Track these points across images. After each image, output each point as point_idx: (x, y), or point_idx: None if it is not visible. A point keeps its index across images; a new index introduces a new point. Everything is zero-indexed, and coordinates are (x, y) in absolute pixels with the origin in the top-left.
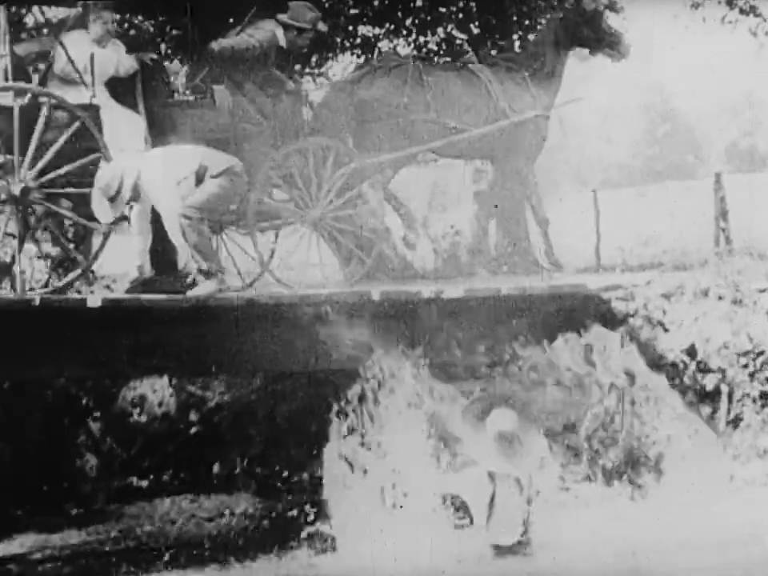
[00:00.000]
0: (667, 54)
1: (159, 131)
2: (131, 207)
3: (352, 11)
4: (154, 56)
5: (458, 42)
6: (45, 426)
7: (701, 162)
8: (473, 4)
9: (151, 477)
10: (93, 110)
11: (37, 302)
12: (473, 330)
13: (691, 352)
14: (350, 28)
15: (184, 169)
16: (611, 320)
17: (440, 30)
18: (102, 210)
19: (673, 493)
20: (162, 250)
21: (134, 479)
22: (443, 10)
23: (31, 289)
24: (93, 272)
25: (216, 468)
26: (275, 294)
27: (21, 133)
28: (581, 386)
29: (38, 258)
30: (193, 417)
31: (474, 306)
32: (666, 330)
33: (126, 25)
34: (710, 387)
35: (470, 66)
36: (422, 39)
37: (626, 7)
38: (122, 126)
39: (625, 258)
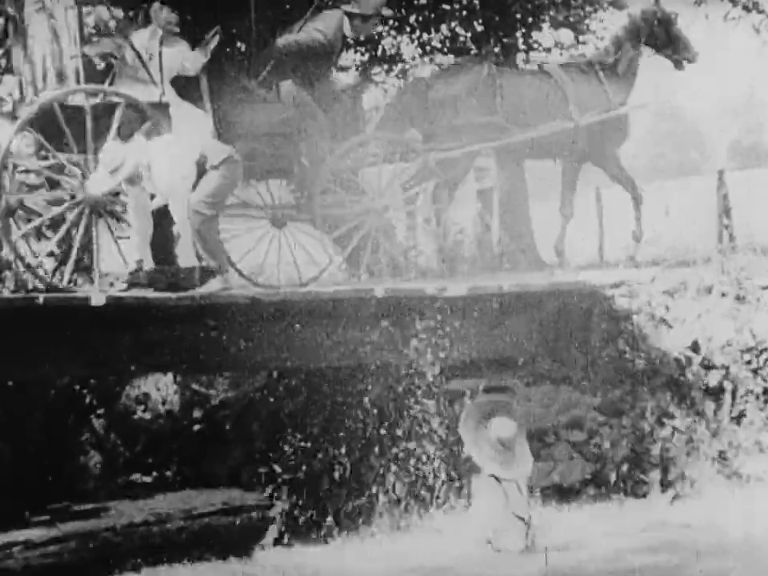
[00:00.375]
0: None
1: (226, 126)
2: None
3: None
4: (215, 42)
5: (461, 39)
6: (48, 423)
7: (704, 159)
8: (476, 2)
9: (155, 474)
10: (163, 107)
11: (40, 301)
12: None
13: (695, 349)
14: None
15: (187, 161)
16: (614, 317)
17: (443, 27)
18: (98, 180)
19: None
20: (162, 244)
21: (138, 476)
22: (447, 7)
23: (34, 288)
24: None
25: (219, 465)
26: (279, 291)
27: (92, 132)
28: None
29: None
30: (197, 414)
31: (478, 303)
32: (669, 327)
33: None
34: (713, 384)
35: (544, 66)
36: (425, 36)
37: (629, 4)
38: (190, 123)
39: (628, 255)
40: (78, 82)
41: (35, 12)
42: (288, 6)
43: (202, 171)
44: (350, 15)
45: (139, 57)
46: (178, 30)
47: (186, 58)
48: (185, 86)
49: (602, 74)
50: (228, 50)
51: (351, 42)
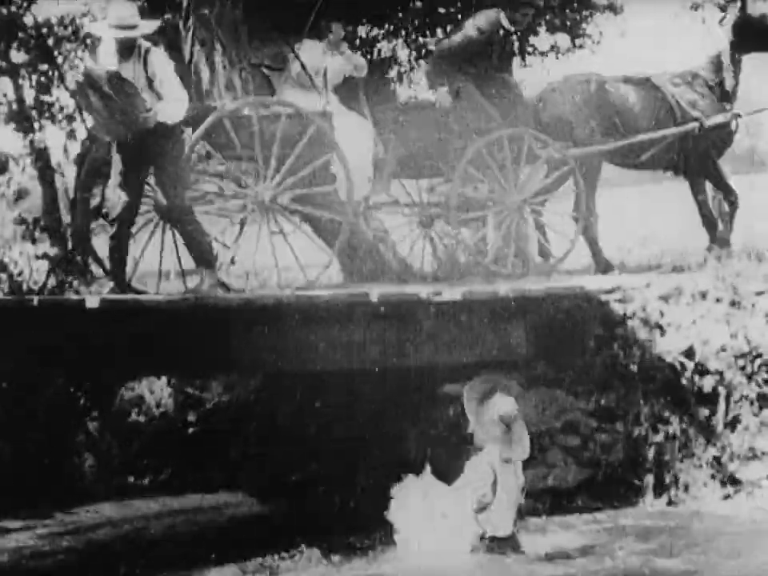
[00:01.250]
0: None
1: (385, 133)
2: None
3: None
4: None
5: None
6: (43, 425)
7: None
8: (471, 6)
9: (149, 477)
10: (327, 116)
11: (35, 303)
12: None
13: (689, 354)
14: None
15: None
16: (609, 322)
17: (439, 31)
18: None
19: None
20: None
21: (132, 479)
22: (442, 10)
23: (30, 290)
24: (91, 272)
25: (214, 468)
26: (273, 294)
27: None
28: None
29: (37, 258)
30: (191, 417)
31: (473, 307)
32: (663, 332)
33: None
34: (707, 389)
35: (652, 78)
36: (421, 40)
37: (625, 7)
38: (353, 130)
39: (623, 259)
40: (245, 92)
41: (201, 23)
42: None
43: None
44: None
45: (303, 67)
46: (343, 39)
47: (351, 61)
48: (345, 94)
49: (707, 85)
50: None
51: None
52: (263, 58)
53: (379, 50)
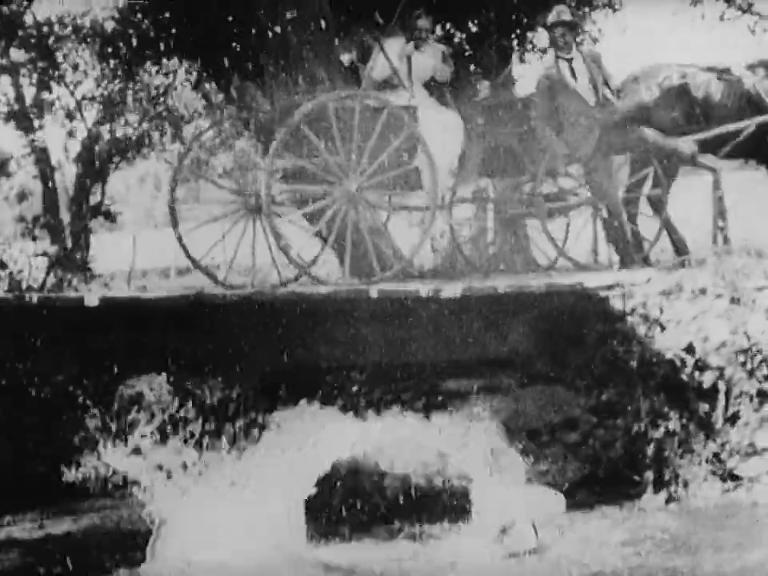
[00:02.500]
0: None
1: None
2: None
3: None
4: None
5: (456, 40)
6: (42, 423)
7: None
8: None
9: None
10: (411, 109)
11: (34, 300)
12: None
13: (689, 350)
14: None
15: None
16: (609, 318)
17: (438, 28)
18: None
19: None
20: None
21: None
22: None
23: (29, 287)
24: (90, 270)
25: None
26: (273, 291)
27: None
28: None
29: (36, 255)
30: (191, 414)
31: (473, 304)
32: (663, 328)
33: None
34: (707, 385)
35: (731, 68)
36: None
37: (624, 4)
38: (441, 124)
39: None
40: (333, 87)
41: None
42: None
43: None
44: None
45: (389, 60)
46: (430, 36)
47: (436, 69)
48: (434, 90)
49: None
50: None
51: None
52: (348, 51)
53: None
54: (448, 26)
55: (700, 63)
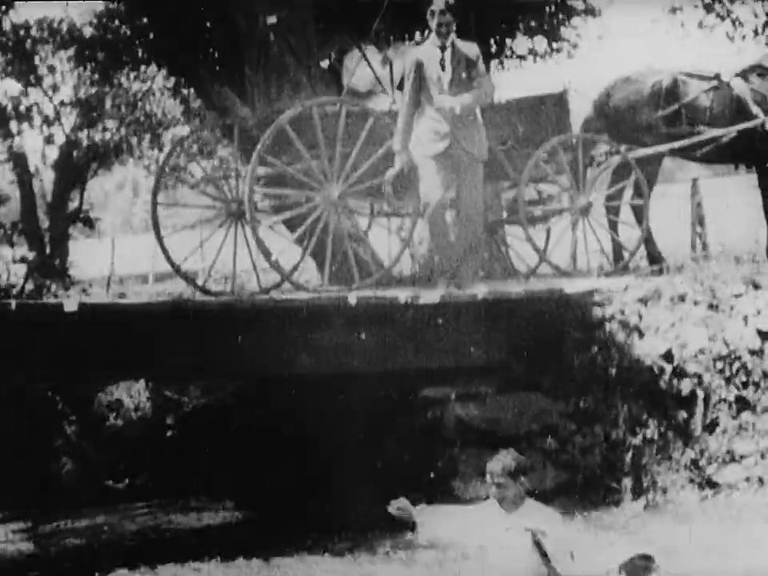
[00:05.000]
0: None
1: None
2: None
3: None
4: None
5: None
6: (21, 429)
7: (678, 166)
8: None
9: (127, 480)
10: (393, 114)
11: (13, 306)
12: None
13: (668, 357)
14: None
15: None
16: (587, 325)
17: (416, 34)
18: None
19: None
20: None
21: (110, 482)
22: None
23: (7, 293)
24: (69, 276)
25: (191, 472)
26: (253, 298)
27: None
28: None
29: (15, 261)
30: (169, 421)
31: (451, 311)
32: (642, 335)
33: None
34: (685, 392)
35: (721, 75)
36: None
37: (603, 11)
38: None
39: (602, 263)
40: (314, 92)
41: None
42: None
43: None
44: None
45: (370, 65)
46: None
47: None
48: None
49: None
50: None
51: None
52: (330, 54)
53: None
54: (426, 32)
55: (690, 68)
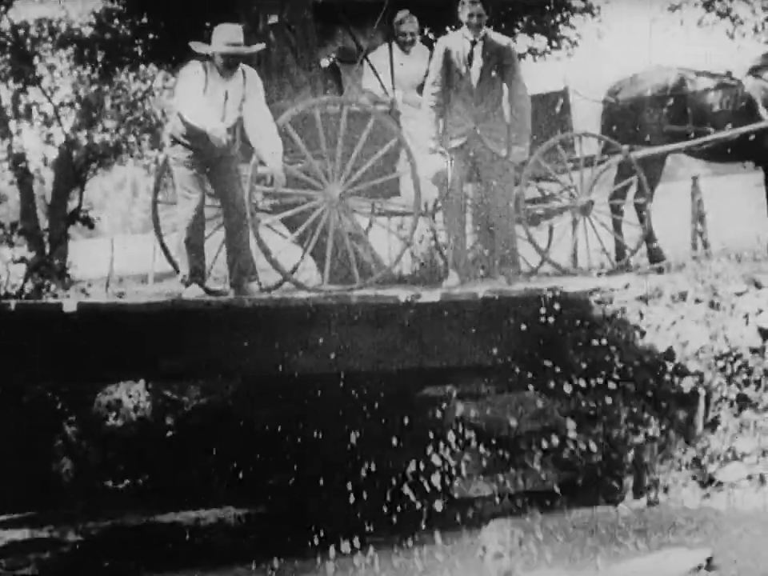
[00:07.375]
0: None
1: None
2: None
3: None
4: None
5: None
6: (20, 430)
7: (679, 164)
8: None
9: (127, 481)
10: (394, 115)
11: (12, 307)
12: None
13: (669, 355)
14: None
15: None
16: (588, 323)
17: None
18: None
19: None
20: None
21: (110, 483)
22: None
23: (7, 294)
24: (68, 276)
25: (192, 472)
26: (253, 298)
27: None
28: None
29: (14, 262)
30: (169, 421)
31: (452, 310)
32: (643, 334)
33: None
34: (687, 390)
35: (730, 76)
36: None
37: (603, 9)
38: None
39: (602, 261)
40: (314, 91)
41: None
42: None
43: None
44: None
45: (371, 66)
46: (416, 39)
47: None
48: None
49: None
50: None
51: None
52: (332, 53)
53: None
54: (426, 30)
55: (690, 66)
